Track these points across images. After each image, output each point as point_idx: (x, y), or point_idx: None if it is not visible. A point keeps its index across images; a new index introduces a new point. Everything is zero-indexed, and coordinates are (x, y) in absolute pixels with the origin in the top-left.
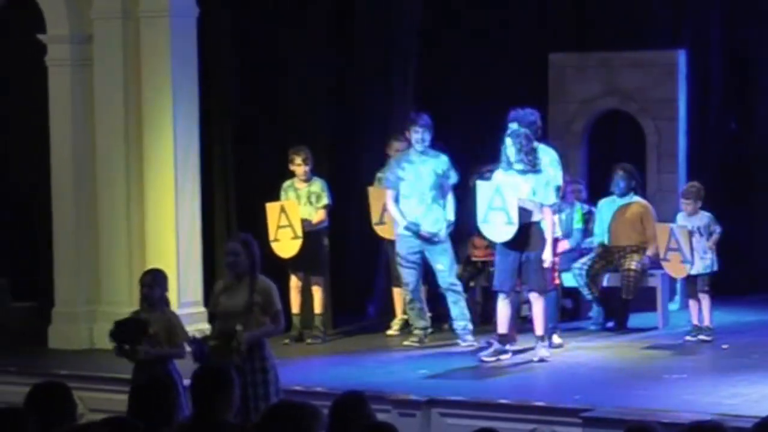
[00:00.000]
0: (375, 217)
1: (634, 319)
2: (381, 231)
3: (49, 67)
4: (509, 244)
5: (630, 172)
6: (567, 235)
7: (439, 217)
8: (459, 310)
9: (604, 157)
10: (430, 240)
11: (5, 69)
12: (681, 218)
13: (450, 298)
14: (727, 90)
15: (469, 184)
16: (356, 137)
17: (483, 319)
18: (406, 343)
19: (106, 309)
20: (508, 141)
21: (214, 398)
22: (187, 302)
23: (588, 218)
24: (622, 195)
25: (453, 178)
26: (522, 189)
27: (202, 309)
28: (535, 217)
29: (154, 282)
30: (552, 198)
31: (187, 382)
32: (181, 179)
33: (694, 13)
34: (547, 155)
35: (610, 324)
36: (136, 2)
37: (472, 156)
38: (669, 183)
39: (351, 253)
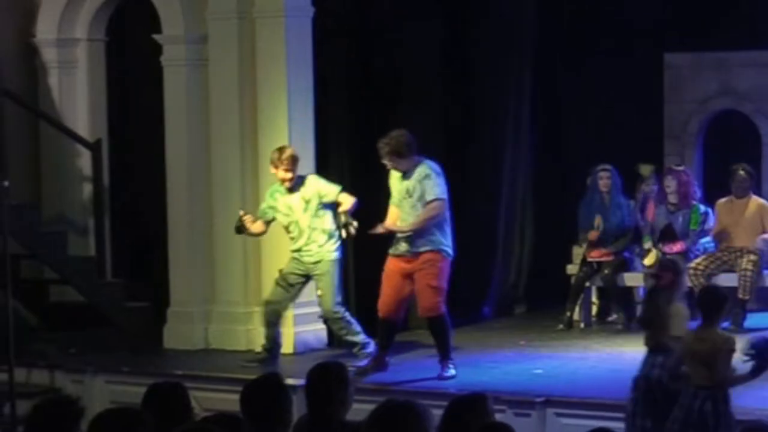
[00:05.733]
0: None
1: (751, 319)
2: None
3: (165, 67)
4: None
5: (749, 173)
6: (683, 235)
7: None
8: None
9: (719, 158)
10: None
11: (122, 69)
12: None
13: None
14: None
15: (587, 184)
16: (471, 137)
17: (598, 318)
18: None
19: (221, 309)
20: None
21: (332, 398)
22: (301, 302)
23: (704, 219)
24: (741, 196)
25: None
26: None
27: (316, 309)
28: None
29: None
30: None
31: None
32: None
33: None
34: None
35: (726, 324)
36: (251, 2)
37: (589, 156)
38: None
39: (466, 254)
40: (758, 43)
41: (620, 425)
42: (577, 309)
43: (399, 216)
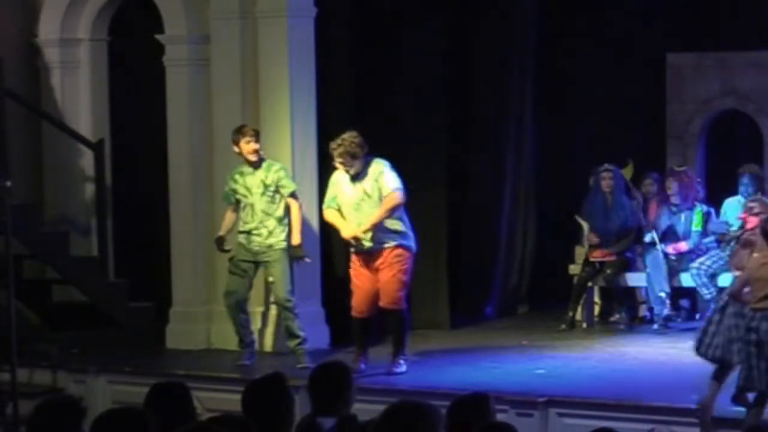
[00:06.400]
0: None
1: None
2: None
3: (167, 68)
4: None
5: (756, 174)
6: (685, 236)
7: None
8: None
9: (722, 158)
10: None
11: (124, 70)
12: None
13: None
14: None
15: (589, 184)
16: (473, 137)
17: (601, 318)
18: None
19: (223, 309)
20: None
21: (335, 397)
22: (302, 303)
23: (707, 219)
24: (749, 197)
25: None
26: None
27: (318, 309)
28: None
29: None
30: None
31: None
32: (298, 179)
33: None
34: None
35: None
36: (253, 2)
37: (591, 156)
38: None
39: (469, 254)
40: (761, 44)
41: (622, 425)
42: (579, 309)
43: (356, 220)
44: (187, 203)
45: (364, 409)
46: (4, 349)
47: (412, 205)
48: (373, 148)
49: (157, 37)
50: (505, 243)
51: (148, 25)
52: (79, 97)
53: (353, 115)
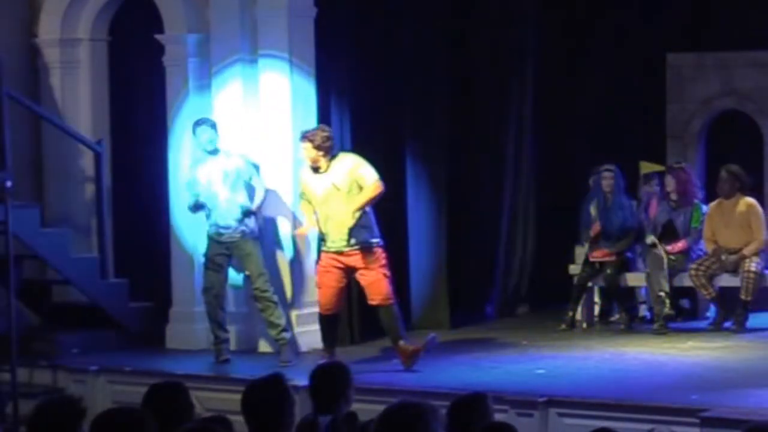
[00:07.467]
0: None
1: (754, 320)
2: None
3: (167, 68)
4: None
5: (734, 173)
6: (684, 233)
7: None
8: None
9: (721, 158)
10: None
11: (124, 69)
12: None
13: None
14: None
15: (589, 184)
16: (474, 137)
17: (601, 318)
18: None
19: None
20: None
21: (336, 397)
22: (302, 303)
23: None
24: (728, 197)
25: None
26: None
27: (317, 309)
28: None
29: None
30: None
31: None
32: (298, 180)
33: None
34: None
35: (728, 324)
36: (253, 2)
37: (592, 156)
38: None
39: (469, 254)
40: (760, 44)
41: (622, 425)
42: (579, 309)
43: (324, 213)
44: (186, 203)
45: (364, 409)
46: (4, 349)
47: (413, 206)
48: (372, 147)
49: (157, 37)
50: (505, 243)
51: (148, 25)
52: (79, 97)
53: (353, 115)
